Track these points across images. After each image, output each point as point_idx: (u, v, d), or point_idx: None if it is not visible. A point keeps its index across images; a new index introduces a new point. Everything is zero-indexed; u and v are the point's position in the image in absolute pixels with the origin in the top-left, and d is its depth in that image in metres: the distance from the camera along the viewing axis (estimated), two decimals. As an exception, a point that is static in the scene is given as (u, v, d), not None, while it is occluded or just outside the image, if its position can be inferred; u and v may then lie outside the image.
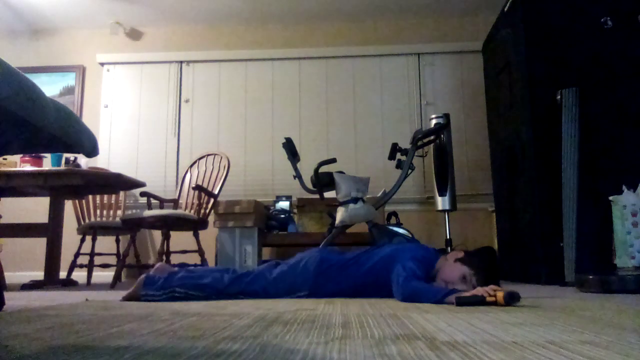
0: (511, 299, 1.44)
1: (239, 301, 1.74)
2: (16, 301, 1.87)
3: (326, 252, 2.15)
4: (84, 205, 3.90)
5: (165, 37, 4.69)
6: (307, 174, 3.35)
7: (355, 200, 3.03)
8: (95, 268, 3.67)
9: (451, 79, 4.46)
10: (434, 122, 3.69)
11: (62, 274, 3.39)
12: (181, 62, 4.62)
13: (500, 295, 1.45)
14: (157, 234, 4.29)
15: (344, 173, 3.20)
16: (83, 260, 3.69)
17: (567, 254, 2.68)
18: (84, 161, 3.36)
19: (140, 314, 1.27)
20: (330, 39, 4.63)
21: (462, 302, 1.46)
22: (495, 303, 1.45)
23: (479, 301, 1.46)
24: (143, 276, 1.90)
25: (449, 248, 3.64)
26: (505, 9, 3.35)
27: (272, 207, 3.91)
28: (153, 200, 3.47)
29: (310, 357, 0.67)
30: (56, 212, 3.25)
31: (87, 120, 4.41)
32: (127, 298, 1.86)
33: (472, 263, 1.75)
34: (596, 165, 2.78)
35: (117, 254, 3.90)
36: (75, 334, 0.91)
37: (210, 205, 3.28)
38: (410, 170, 3.19)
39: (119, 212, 4.04)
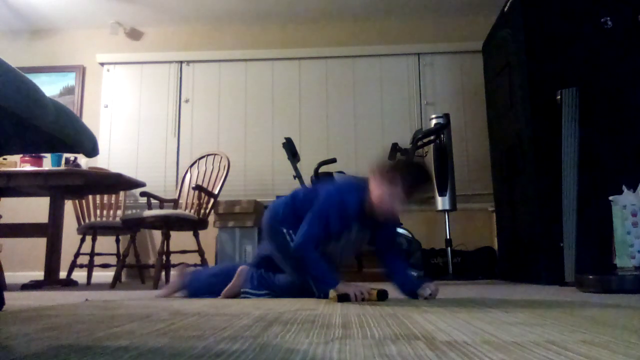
0: (383, 296, 1.68)
1: (239, 301, 1.74)
2: (16, 301, 1.87)
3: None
4: (84, 205, 3.90)
5: (165, 37, 4.69)
6: (307, 174, 3.36)
7: (355, 200, 3.03)
8: (95, 268, 3.67)
9: (451, 79, 4.46)
10: (434, 122, 3.69)
11: (62, 274, 3.39)
12: (181, 62, 4.62)
13: (374, 293, 1.66)
14: (157, 234, 4.29)
15: (344, 173, 3.21)
16: (83, 260, 3.69)
17: (567, 254, 2.68)
18: (84, 161, 3.36)
19: (140, 314, 1.27)
20: (330, 39, 4.63)
21: (341, 299, 1.59)
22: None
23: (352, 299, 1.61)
24: (244, 268, 1.92)
25: (449, 249, 3.65)
26: (505, 9, 3.35)
27: (272, 207, 3.91)
28: (153, 200, 3.47)
29: (310, 357, 0.67)
30: (56, 212, 3.24)
31: (87, 120, 4.41)
32: (228, 295, 1.88)
33: (395, 180, 1.67)
34: (596, 165, 2.78)
35: (117, 254, 3.90)
36: (75, 334, 0.91)
37: (210, 205, 3.28)
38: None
39: (119, 212, 4.04)
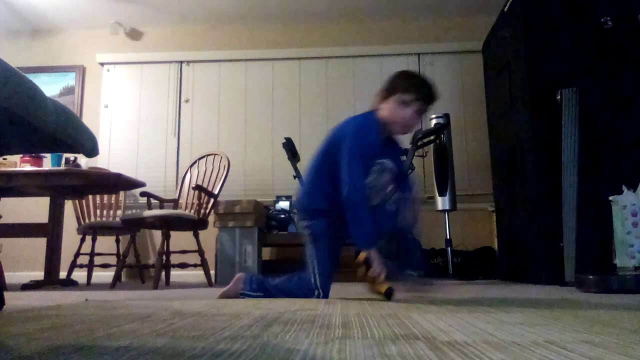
0: (390, 294, 1.67)
1: (239, 301, 1.74)
2: (16, 301, 1.87)
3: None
4: (84, 205, 3.90)
5: (165, 37, 4.69)
6: (307, 174, 3.35)
7: (355, 200, 3.03)
8: (95, 268, 3.67)
9: (451, 79, 4.46)
10: (434, 122, 3.69)
11: (62, 274, 3.39)
12: (181, 62, 4.62)
13: (384, 287, 1.66)
14: (157, 234, 4.29)
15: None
16: (83, 260, 3.69)
17: (567, 254, 2.68)
18: (84, 161, 3.36)
19: (140, 314, 1.27)
20: (330, 39, 4.63)
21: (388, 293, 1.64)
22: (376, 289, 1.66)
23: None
24: (242, 275, 1.94)
25: (449, 249, 3.65)
26: (505, 9, 3.35)
27: (272, 207, 3.91)
28: (153, 200, 3.47)
29: (310, 357, 0.67)
30: (56, 212, 3.25)
31: (87, 120, 4.41)
32: (224, 296, 1.89)
33: (395, 89, 1.76)
34: (596, 165, 2.78)
35: (117, 254, 3.90)
36: (75, 334, 0.91)
37: (210, 205, 3.28)
38: (410, 170, 3.19)
39: (119, 212, 4.04)
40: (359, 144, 1.74)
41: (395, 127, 1.81)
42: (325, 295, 1.80)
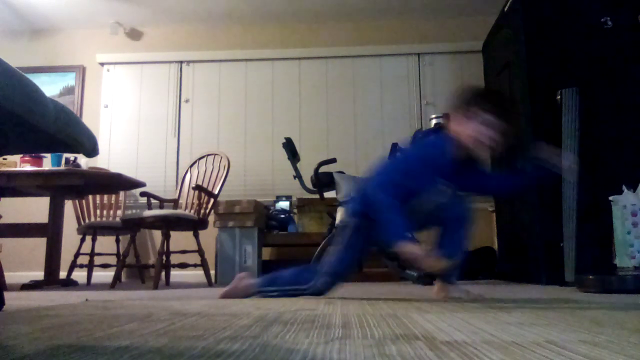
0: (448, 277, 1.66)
1: (238, 301, 1.74)
2: (16, 301, 1.87)
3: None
4: (84, 205, 3.90)
5: (165, 37, 4.69)
6: (307, 174, 3.35)
7: (355, 200, 3.03)
8: (95, 268, 3.67)
9: (451, 79, 4.46)
10: (434, 122, 3.69)
11: (62, 274, 3.39)
12: (181, 62, 4.62)
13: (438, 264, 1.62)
14: (157, 234, 4.29)
15: (344, 173, 3.21)
16: (83, 260, 3.69)
17: (567, 254, 2.68)
18: (84, 161, 3.36)
19: (140, 314, 1.27)
20: (330, 39, 4.63)
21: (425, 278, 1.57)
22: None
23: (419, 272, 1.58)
24: (243, 274, 1.96)
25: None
26: (505, 9, 3.35)
27: (272, 207, 3.91)
28: (153, 200, 3.47)
29: (310, 357, 0.67)
30: (56, 212, 3.25)
31: (87, 120, 4.41)
32: (226, 296, 1.89)
33: (476, 112, 1.65)
34: (596, 165, 2.78)
35: (117, 254, 3.91)
36: (75, 334, 0.91)
37: (210, 205, 3.28)
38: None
39: (119, 212, 4.04)
40: (417, 165, 1.72)
41: (476, 149, 1.71)
42: (323, 289, 1.78)
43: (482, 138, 1.67)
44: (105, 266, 3.74)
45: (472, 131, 1.67)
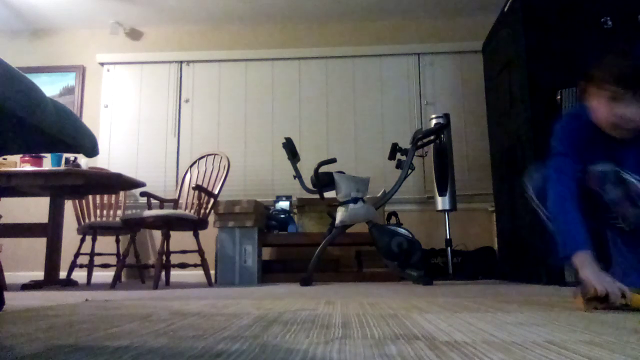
0: None
1: (238, 301, 1.74)
2: (16, 301, 1.87)
3: None
4: (84, 205, 3.90)
5: (165, 37, 4.69)
6: (307, 174, 3.35)
7: (355, 200, 3.04)
8: (95, 268, 3.67)
9: (451, 79, 4.46)
10: (434, 122, 3.69)
11: (62, 274, 3.39)
12: (181, 62, 4.62)
13: (637, 298, 1.21)
14: (157, 234, 4.29)
15: (344, 173, 3.21)
16: (83, 260, 3.69)
17: (567, 254, 2.68)
18: (84, 161, 3.36)
19: (140, 314, 1.27)
20: (330, 39, 4.63)
21: (588, 299, 1.22)
22: (626, 306, 1.20)
23: (606, 301, 1.19)
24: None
25: (449, 249, 3.65)
26: (505, 9, 3.35)
27: (272, 207, 3.91)
28: (153, 200, 3.47)
29: (310, 357, 0.67)
30: (56, 212, 3.25)
31: (87, 120, 4.41)
32: None
33: (603, 86, 1.30)
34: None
35: (117, 254, 3.91)
36: (75, 334, 0.91)
37: (210, 205, 3.28)
38: (410, 170, 3.19)
39: (119, 212, 4.04)
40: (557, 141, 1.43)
41: (614, 130, 1.38)
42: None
43: (613, 118, 1.35)
44: (105, 266, 3.74)
45: (602, 113, 1.36)
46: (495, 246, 3.87)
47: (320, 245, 3.07)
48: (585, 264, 1.25)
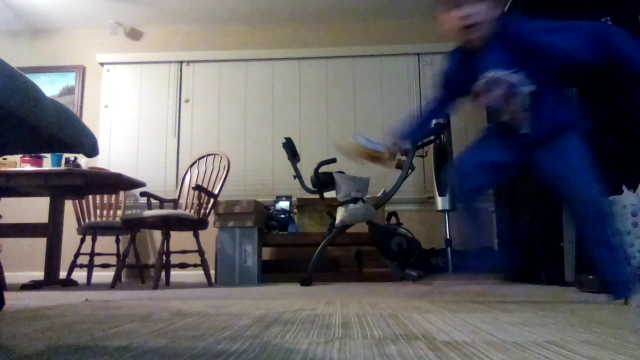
0: None
1: (238, 301, 1.74)
2: (16, 301, 1.87)
3: None
4: (84, 205, 3.90)
5: (165, 37, 4.69)
6: (307, 174, 3.35)
7: (355, 200, 3.03)
8: (95, 268, 3.67)
9: (451, 79, 4.46)
10: (434, 122, 3.69)
11: (62, 274, 3.39)
12: (181, 62, 4.62)
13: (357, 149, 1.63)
14: (157, 234, 4.29)
15: (344, 173, 3.21)
16: (83, 260, 3.69)
17: (567, 254, 2.68)
18: (84, 161, 3.36)
19: (140, 314, 1.27)
20: (330, 39, 4.63)
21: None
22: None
23: None
24: None
25: (449, 249, 3.65)
26: (505, 9, 3.36)
27: (272, 207, 3.91)
28: (153, 200, 3.47)
29: (310, 357, 0.67)
30: (56, 212, 3.25)
31: (87, 120, 4.41)
32: None
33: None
34: (596, 165, 2.78)
35: (117, 254, 3.91)
36: (75, 334, 0.91)
37: (210, 205, 3.28)
38: (410, 170, 3.19)
39: (119, 212, 4.04)
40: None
41: (460, 38, 1.64)
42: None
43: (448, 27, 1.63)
44: (105, 266, 3.74)
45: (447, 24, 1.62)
46: (495, 246, 3.87)
47: (320, 245, 3.07)
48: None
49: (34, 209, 4.09)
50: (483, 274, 1.73)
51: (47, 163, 3.54)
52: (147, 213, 3.04)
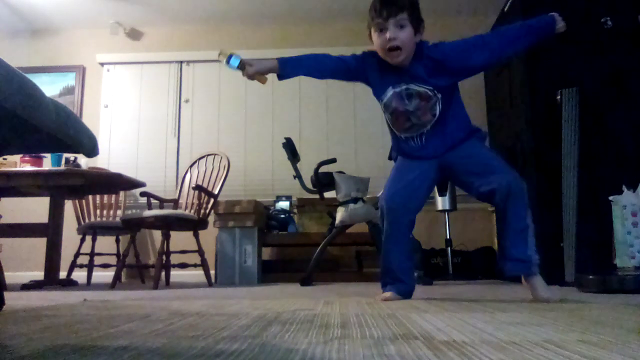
0: None
1: (238, 301, 1.74)
2: (16, 301, 1.87)
3: None
4: (84, 205, 3.90)
5: (165, 37, 4.69)
6: (307, 174, 3.35)
7: (355, 200, 3.03)
8: (95, 268, 3.67)
9: (451, 79, 4.46)
10: (433, 122, 3.69)
11: (62, 274, 3.39)
12: (181, 62, 4.62)
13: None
14: (157, 234, 4.29)
15: (344, 173, 3.21)
16: (83, 260, 3.69)
17: (567, 254, 2.68)
18: (84, 161, 3.37)
19: (140, 314, 1.27)
20: (330, 39, 4.63)
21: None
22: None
23: None
24: None
25: (449, 249, 3.65)
26: (505, 9, 3.35)
27: (272, 207, 3.91)
28: (153, 200, 3.47)
29: (309, 357, 0.67)
30: (56, 212, 3.25)
31: (87, 120, 4.40)
32: None
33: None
34: (596, 165, 2.78)
35: (117, 254, 3.91)
36: (75, 334, 0.91)
37: (210, 205, 3.28)
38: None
39: (119, 212, 4.04)
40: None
41: (387, 58, 1.75)
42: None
43: (377, 46, 1.74)
44: (105, 266, 3.74)
45: (375, 45, 1.74)
46: (495, 246, 3.87)
47: (320, 245, 3.07)
48: (261, 63, 1.80)
49: (34, 209, 4.09)
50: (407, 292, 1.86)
51: (47, 163, 3.54)
52: (147, 213, 3.04)
